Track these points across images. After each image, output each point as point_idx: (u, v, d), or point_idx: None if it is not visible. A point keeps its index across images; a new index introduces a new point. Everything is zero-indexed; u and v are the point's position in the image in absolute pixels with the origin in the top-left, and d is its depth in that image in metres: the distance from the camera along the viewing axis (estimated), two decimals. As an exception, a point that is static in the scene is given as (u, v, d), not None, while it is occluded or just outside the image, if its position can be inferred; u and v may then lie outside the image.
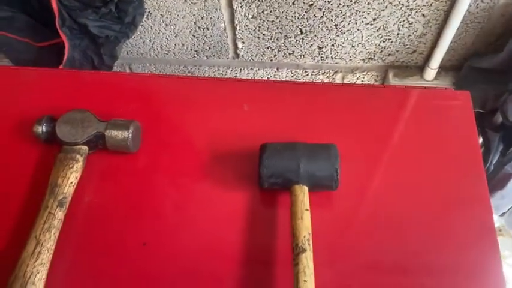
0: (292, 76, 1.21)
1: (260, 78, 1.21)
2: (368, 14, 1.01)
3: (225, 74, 1.22)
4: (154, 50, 1.16)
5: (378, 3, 0.99)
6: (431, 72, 1.14)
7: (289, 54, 1.14)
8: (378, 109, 0.72)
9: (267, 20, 1.04)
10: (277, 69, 1.20)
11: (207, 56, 1.17)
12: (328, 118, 0.71)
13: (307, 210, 0.59)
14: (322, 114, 0.72)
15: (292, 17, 1.03)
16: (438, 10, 1.00)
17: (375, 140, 0.69)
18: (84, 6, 0.90)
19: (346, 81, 1.21)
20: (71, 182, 0.60)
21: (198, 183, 0.65)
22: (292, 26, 1.05)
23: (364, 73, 1.20)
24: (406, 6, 0.99)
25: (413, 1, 0.98)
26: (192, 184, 0.65)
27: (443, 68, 1.14)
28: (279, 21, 1.04)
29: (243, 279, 0.58)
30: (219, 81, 0.78)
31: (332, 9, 1.00)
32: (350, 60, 1.15)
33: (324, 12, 1.01)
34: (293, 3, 0.99)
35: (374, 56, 1.14)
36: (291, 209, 0.59)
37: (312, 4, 0.99)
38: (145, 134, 0.68)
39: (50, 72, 0.83)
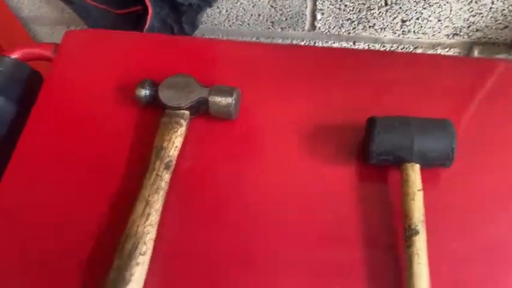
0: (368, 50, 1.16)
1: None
2: (462, -15, 0.95)
3: (299, 47, 1.19)
4: (229, 20, 1.14)
5: (475, -26, 0.92)
6: (521, 50, 1.07)
7: (370, 27, 1.09)
8: (489, 83, 0.68)
9: (352, -10, 1.00)
10: (354, 43, 1.15)
11: (281, 28, 1.14)
12: (435, 91, 0.68)
13: (419, 190, 0.56)
14: (427, 87, 0.69)
15: (379, -13, 0.98)
16: (541, -18, 0.92)
17: (486, 116, 0.65)
18: (170, -27, 0.89)
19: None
20: (176, 146, 0.60)
21: (298, 154, 0.64)
22: (378, -4, 1.00)
23: (446, 49, 1.13)
24: (506, -23, 0.92)
25: (515, -28, 0.91)
26: (292, 154, 0.64)
27: (534, 46, 1.07)
28: (364, -9, 0.99)
29: (348, 256, 0.57)
30: (318, 50, 0.75)
31: (423, -20, 0.95)
32: (433, 35, 1.09)
33: (414, -18, 0.95)
34: (382, -28, 0.94)
35: (460, 32, 1.07)
36: (401, 188, 0.57)
37: (402, -26, 0.94)
38: (243, 101, 0.66)
39: (144, 36, 0.82)
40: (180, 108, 0.62)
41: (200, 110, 0.64)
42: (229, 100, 0.62)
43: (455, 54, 1.15)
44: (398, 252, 0.56)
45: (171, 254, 0.57)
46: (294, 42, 1.18)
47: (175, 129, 0.61)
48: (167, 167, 0.58)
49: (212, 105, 0.62)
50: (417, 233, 0.53)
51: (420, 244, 0.53)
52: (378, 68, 0.71)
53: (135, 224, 0.54)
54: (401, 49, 1.15)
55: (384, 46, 1.15)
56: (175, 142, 0.60)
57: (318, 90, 0.69)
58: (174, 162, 0.60)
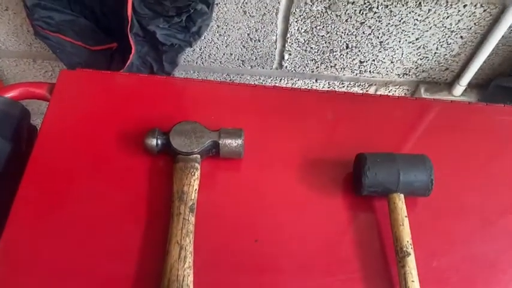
0: (329, 87, 1.27)
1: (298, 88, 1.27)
2: (412, 33, 1.09)
3: (265, 83, 1.27)
4: (202, 58, 1.20)
5: (424, 25, 1.06)
6: (460, 89, 1.23)
7: (331, 66, 1.20)
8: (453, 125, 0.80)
9: (318, 35, 1.10)
10: (316, 81, 1.26)
11: (251, 66, 1.22)
12: (405, 130, 0.78)
13: (406, 217, 0.65)
14: (397, 126, 0.79)
15: (342, 32, 1.09)
16: (476, 33, 1.09)
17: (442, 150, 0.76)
18: (155, 15, 0.93)
19: (378, 93, 1.29)
20: (195, 189, 0.64)
21: (297, 187, 0.71)
22: (340, 41, 1.12)
23: (397, 87, 1.27)
24: (448, 29, 1.07)
25: (456, 24, 1.06)
26: (292, 187, 0.71)
27: (469, 85, 1.24)
28: (329, 36, 1.10)
29: (345, 278, 0.64)
30: (303, 92, 0.83)
31: (381, 28, 1.07)
32: (386, 74, 1.22)
33: (372, 30, 1.08)
34: (346, 20, 1.06)
35: (409, 72, 1.22)
36: (390, 216, 0.66)
37: (363, 22, 1.06)
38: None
39: (137, 77, 0.85)
40: (192, 153, 0.66)
41: (211, 152, 0.68)
42: (239, 141, 0.67)
43: (405, 91, 1.29)
44: (391, 273, 0.64)
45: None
46: (262, 79, 1.26)
47: (192, 173, 0.64)
48: (191, 210, 0.62)
49: (223, 148, 0.67)
50: (408, 254, 0.62)
51: (412, 264, 0.61)
52: (354, 109, 0.80)
53: (174, 268, 0.56)
54: (357, 86, 1.28)
55: (342, 83, 1.27)
56: (194, 185, 0.64)
57: (306, 127, 0.77)
58: (195, 204, 0.63)
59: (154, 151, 0.67)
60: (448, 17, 1.04)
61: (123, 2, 0.92)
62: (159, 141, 0.67)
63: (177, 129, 0.68)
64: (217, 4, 1.03)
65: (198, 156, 0.67)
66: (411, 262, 0.61)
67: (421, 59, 1.17)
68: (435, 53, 1.15)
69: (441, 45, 1.13)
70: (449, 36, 1.10)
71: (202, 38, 1.12)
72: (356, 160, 0.70)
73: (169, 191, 0.65)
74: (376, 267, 0.65)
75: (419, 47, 1.13)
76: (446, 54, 1.16)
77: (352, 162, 0.72)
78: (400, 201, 0.66)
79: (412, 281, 0.60)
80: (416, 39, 1.11)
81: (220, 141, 0.67)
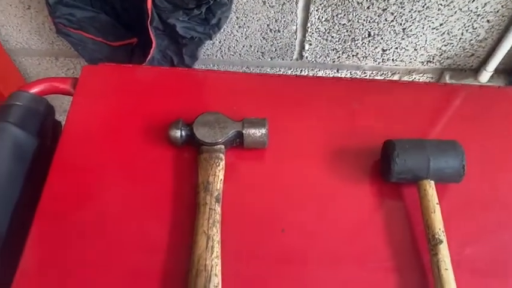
0: (351, 77, 1.25)
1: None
2: (436, 19, 1.06)
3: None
4: (221, 51, 1.19)
5: (448, 10, 1.03)
6: (486, 75, 1.19)
7: (353, 56, 1.18)
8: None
9: (339, 23, 1.08)
10: (337, 71, 1.24)
11: (271, 58, 1.21)
12: (434, 116, 0.76)
13: (437, 204, 0.63)
14: (425, 112, 0.77)
15: (364, 20, 1.07)
16: (503, 16, 1.05)
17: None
18: (175, 8, 0.93)
19: (402, 82, 1.26)
20: (221, 179, 0.64)
21: (324, 175, 0.69)
22: (362, 29, 1.09)
23: (421, 75, 1.25)
24: (474, 13, 1.04)
25: (482, 7, 1.03)
26: (318, 176, 0.70)
27: (496, 71, 1.20)
28: (350, 24, 1.08)
29: (376, 268, 0.62)
30: (327, 80, 0.82)
31: (404, 14, 1.05)
32: (410, 62, 1.20)
33: (395, 16, 1.05)
34: (368, 7, 1.03)
35: (433, 59, 1.19)
36: (421, 203, 0.64)
37: (385, 9, 1.04)
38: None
39: (160, 70, 0.85)
40: (217, 144, 0.66)
41: (235, 142, 0.68)
42: (263, 131, 0.66)
43: (429, 79, 1.26)
44: (423, 261, 0.62)
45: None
46: (282, 70, 1.25)
47: (217, 164, 0.64)
48: (217, 200, 0.62)
49: (247, 138, 0.66)
50: (441, 242, 0.60)
51: (445, 252, 0.59)
52: (379, 96, 0.78)
53: (202, 258, 0.56)
54: (380, 75, 1.25)
55: (364, 73, 1.25)
56: (219, 176, 0.64)
57: (328, 117, 0.75)
58: (221, 194, 0.63)
59: (179, 142, 0.67)
60: (473, 0, 1.01)
61: (143, -4, 0.92)
62: (183, 133, 0.66)
63: (201, 120, 0.67)
64: (236, -5, 1.02)
65: (223, 146, 0.66)
66: (444, 250, 0.60)
67: (445, 45, 1.14)
68: (460, 38, 1.12)
69: (467, 30, 1.10)
70: (475, 21, 1.07)
71: (222, 30, 1.11)
72: (384, 147, 0.68)
73: (194, 182, 0.65)
74: (407, 255, 0.63)
75: (444, 33, 1.10)
76: (472, 40, 1.13)
77: (379, 150, 0.70)
78: (430, 188, 0.64)
79: (446, 269, 0.58)
80: (441, 24, 1.08)
81: (244, 131, 0.66)
